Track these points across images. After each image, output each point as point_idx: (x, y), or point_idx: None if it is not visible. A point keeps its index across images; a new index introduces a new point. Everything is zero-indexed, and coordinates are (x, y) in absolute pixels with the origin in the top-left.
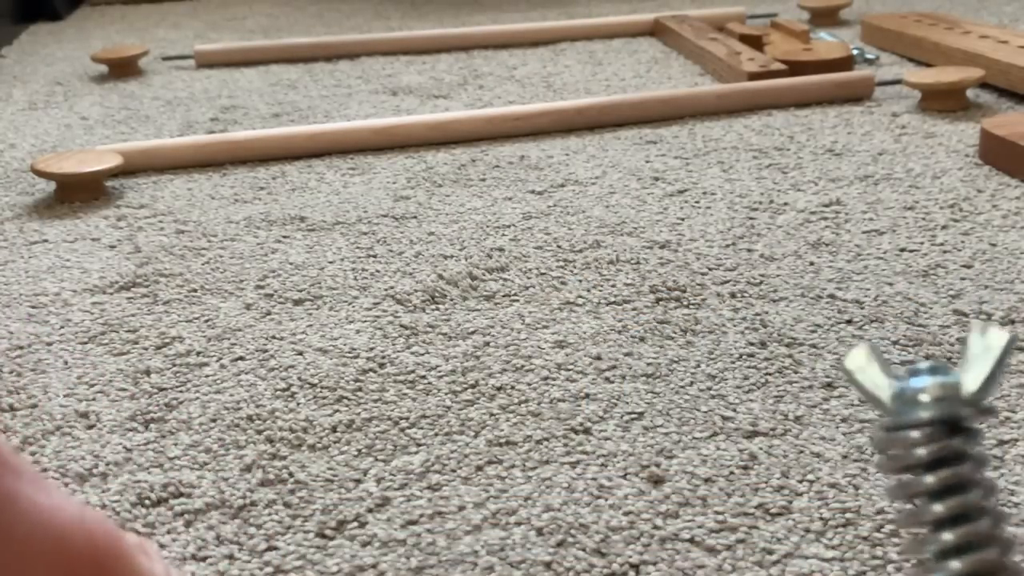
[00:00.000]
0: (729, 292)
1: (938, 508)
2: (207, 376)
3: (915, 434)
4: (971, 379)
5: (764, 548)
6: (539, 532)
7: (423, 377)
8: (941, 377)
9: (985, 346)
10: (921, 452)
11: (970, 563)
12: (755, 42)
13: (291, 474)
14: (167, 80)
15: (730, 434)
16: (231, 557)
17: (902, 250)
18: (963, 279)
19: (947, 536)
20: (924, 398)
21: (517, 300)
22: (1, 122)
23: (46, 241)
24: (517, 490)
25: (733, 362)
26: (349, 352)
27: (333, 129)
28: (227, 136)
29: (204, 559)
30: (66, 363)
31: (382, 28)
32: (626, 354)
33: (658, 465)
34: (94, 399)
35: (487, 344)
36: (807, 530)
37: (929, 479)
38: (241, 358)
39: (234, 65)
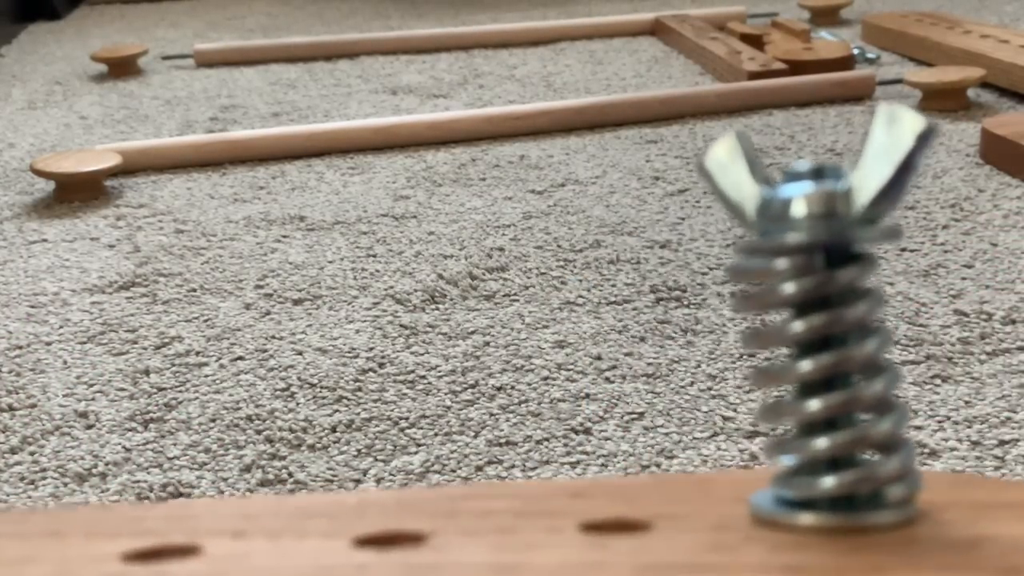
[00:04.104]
0: (730, 292)
1: (806, 366)
2: (206, 376)
3: (781, 263)
4: (867, 186)
5: None
6: None
7: (423, 377)
8: (824, 183)
9: (893, 139)
10: (788, 288)
11: (843, 441)
12: (756, 41)
13: (291, 474)
14: (166, 80)
15: (731, 434)
16: None
17: (903, 250)
18: (964, 279)
19: (815, 405)
20: (798, 212)
21: (517, 300)
22: (0, 121)
23: (45, 241)
24: None
25: (734, 362)
26: (349, 352)
27: (333, 129)
28: (227, 136)
29: None
30: (65, 363)
31: (382, 27)
32: (626, 354)
33: (658, 465)
34: (93, 399)
35: (487, 344)
36: None
37: (797, 326)
38: (241, 358)
39: (234, 64)
